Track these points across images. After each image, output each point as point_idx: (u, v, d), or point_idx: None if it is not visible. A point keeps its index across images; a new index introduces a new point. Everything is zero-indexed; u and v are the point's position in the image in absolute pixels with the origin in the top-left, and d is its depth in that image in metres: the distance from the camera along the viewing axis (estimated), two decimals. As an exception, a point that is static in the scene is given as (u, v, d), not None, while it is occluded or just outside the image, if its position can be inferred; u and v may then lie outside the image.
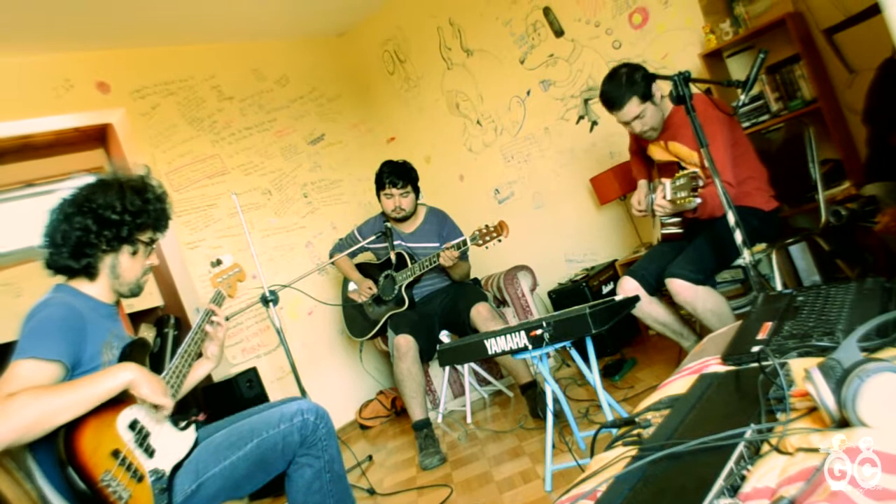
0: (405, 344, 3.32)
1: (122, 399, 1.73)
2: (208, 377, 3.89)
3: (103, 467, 1.58)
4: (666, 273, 2.56)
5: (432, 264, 3.41)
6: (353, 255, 3.92)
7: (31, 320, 1.72)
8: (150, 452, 1.74)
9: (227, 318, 2.23)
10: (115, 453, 1.63)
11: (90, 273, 1.92)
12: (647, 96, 2.63)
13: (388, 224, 3.71)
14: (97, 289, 1.94)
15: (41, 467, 1.67)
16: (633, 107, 2.65)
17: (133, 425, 1.74)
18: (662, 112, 2.71)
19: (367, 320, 3.82)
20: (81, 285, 1.92)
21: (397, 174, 3.59)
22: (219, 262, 2.49)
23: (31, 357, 1.62)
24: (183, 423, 1.93)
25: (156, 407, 1.76)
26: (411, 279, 3.56)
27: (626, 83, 2.63)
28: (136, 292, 2.04)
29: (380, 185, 3.65)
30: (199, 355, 2.15)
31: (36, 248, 1.94)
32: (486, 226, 3.19)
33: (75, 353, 1.71)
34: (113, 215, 1.90)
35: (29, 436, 1.53)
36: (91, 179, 1.98)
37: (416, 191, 3.70)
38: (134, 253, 1.98)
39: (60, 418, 1.55)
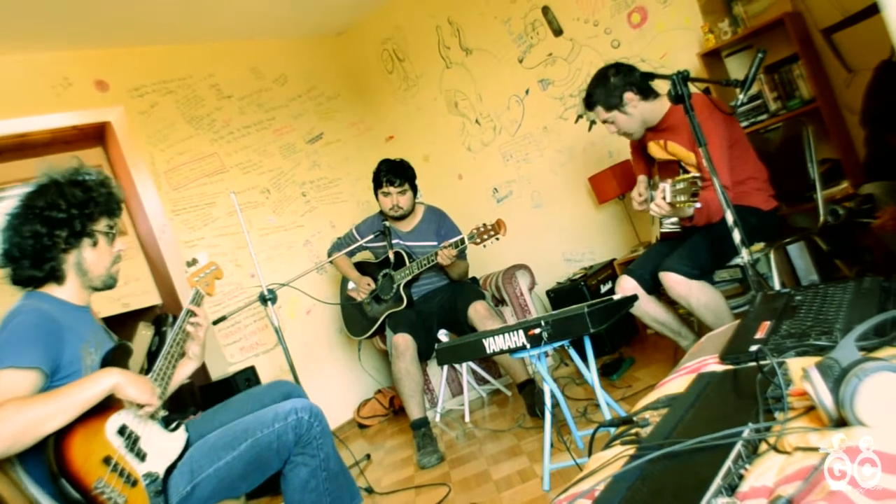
0: (403, 343, 3.32)
1: (109, 405, 1.72)
2: (206, 377, 3.90)
3: (96, 475, 1.57)
4: (661, 267, 2.56)
5: (430, 263, 3.41)
6: (351, 254, 3.91)
7: (4, 330, 1.69)
8: (141, 456, 1.73)
9: (224, 318, 2.23)
10: (107, 460, 1.62)
11: (57, 277, 1.88)
12: (613, 107, 2.70)
13: (387, 223, 3.71)
14: (68, 291, 1.90)
15: (31, 476, 1.66)
16: (599, 113, 2.77)
17: (122, 430, 1.73)
18: (644, 116, 2.72)
19: (365, 319, 3.82)
20: (51, 290, 1.89)
21: (394, 172, 3.58)
22: (194, 262, 2.46)
23: (7, 367, 1.60)
24: (173, 425, 1.93)
25: (142, 406, 1.75)
26: (409, 278, 3.56)
27: (597, 89, 2.72)
28: (109, 284, 1.99)
29: (377, 183, 3.65)
30: (183, 355, 2.14)
31: None
32: (484, 224, 3.18)
33: (53, 358, 1.69)
34: (59, 214, 1.85)
35: (16, 447, 1.51)
36: (27, 187, 1.93)
37: (414, 189, 3.70)
38: (94, 244, 1.93)
39: (47, 427, 1.54)
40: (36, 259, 1.84)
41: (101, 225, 1.95)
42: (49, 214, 1.84)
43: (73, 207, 1.87)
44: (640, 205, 2.91)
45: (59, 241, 1.86)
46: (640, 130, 2.77)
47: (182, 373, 2.15)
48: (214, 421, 2.12)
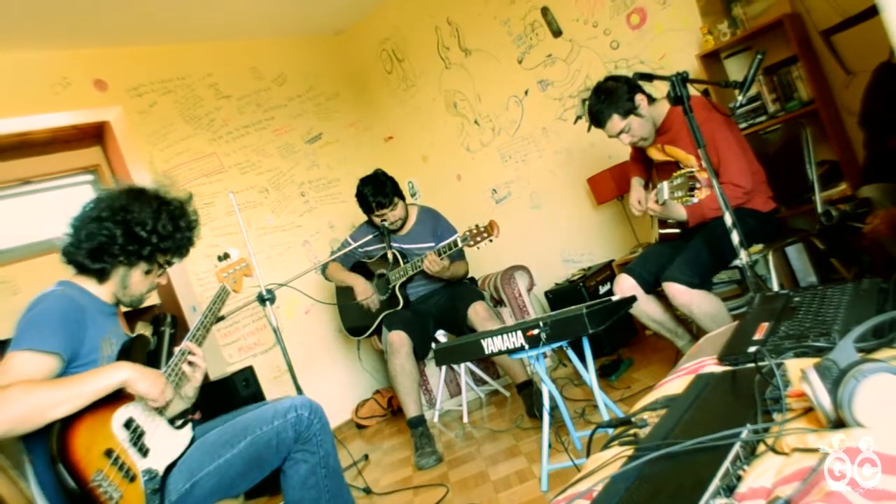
0: (398, 340, 3.31)
1: (119, 397, 1.73)
2: (205, 377, 3.88)
3: (95, 467, 1.57)
4: (663, 277, 2.57)
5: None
6: (349, 262, 3.87)
7: (31, 311, 1.72)
8: (143, 452, 1.73)
9: (223, 318, 2.21)
10: (109, 452, 1.63)
11: (101, 276, 1.93)
12: (629, 111, 2.65)
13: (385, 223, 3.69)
14: (101, 290, 1.95)
15: (34, 464, 1.67)
16: (615, 123, 2.68)
17: (128, 424, 1.73)
18: (653, 119, 2.72)
19: (362, 319, 3.82)
20: (86, 284, 1.92)
21: (382, 194, 3.51)
22: (226, 256, 2.47)
23: (27, 349, 1.62)
24: (179, 422, 1.93)
25: (153, 401, 1.76)
26: (404, 279, 3.56)
27: (606, 100, 2.66)
28: (135, 305, 2.05)
29: (368, 209, 3.59)
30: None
31: (58, 237, 1.94)
32: (477, 226, 3.17)
33: (73, 345, 1.71)
34: (142, 232, 1.91)
35: (19, 429, 1.52)
36: (133, 186, 2.00)
37: (401, 195, 3.66)
38: (148, 272, 2.00)
39: (53, 413, 1.55)
40: (95, 252, 1.88)
41: (164, 259, 2.02)
42: (133, 227, 1.90)
43: (156, 234, 1.94)
44: (639, 212, 2.91)
45: (124, 253, 1.91)
46: (652, 134, 2.75)
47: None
48: (214, 420, 2.12)
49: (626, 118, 2.66)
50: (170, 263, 2.06)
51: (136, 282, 1.98)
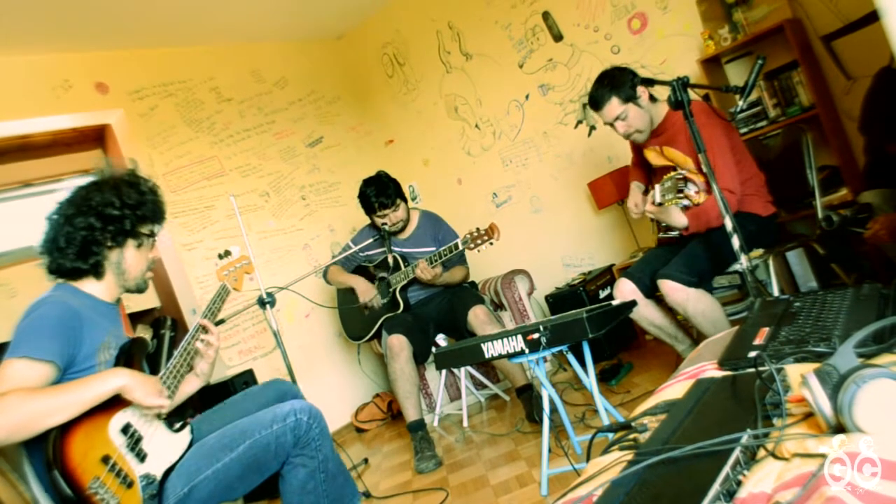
0: (398, 344, 3.31)
1: (117, 402, 1.72)
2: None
3: (92, 474, 1.57)
4: (659, 274, 2.56)
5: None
6: (350, 266, 3.87)
7: (27, 318, 1.72)
8: (141, 457, 1.73)
9: (223, 321, 2.21)
10: (105, 459, 1.62)
11: (98, 272, 1.92)
12: (629, 97, 2.65)
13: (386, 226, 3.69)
14: (101, 288, 1.94)
15: (34, 469, 1.67)
16: (613, 107, 2.67)
17: (125, 429, 1.72)
18: (651, 115, 2.71)
19: (362, 323, 3.81)
20: (84, 285, 1.92)
21: (384, 195, 3.51)
22: (227, 254, 2.46)
23: (23, 356, 1.61)
24: (178, 425, 1.92)
25: (150, 407, 1.76)
26: (404, 282, 3.56)
27: (607, 84, 2.67)
28: (142, 287, 2.05)
29: (370, 209, 3.60)
30: (190, 369, 2.12)
31: (37, 254, 1.94)
32: (477, 229, 3.17)
33: (69, 353, 1.71)
34: (114, 211, 1.92)
35: (15, 437, 1.52)
36: (83, 181, 1.99)
37: (403, 197, 3.67)
38: (139, 246, 2.00)
39: (49, 421, 1.55)
40: (83, 251, 1.88)
41: (147, 228, 2.03)
42: (104, 210, 1.91)
43: (127, 207, 1.95)
44: (637, 214, 2.91)
45: (108, 237, 1.92)
46: (649, 130, 2.75)
47: (185, 389, 2.14)
48: (213, 422, 2.11)
49: (624, 104, 2.66)
50: (153, 233, 2.06)
51: (131, 262, 1.98)
